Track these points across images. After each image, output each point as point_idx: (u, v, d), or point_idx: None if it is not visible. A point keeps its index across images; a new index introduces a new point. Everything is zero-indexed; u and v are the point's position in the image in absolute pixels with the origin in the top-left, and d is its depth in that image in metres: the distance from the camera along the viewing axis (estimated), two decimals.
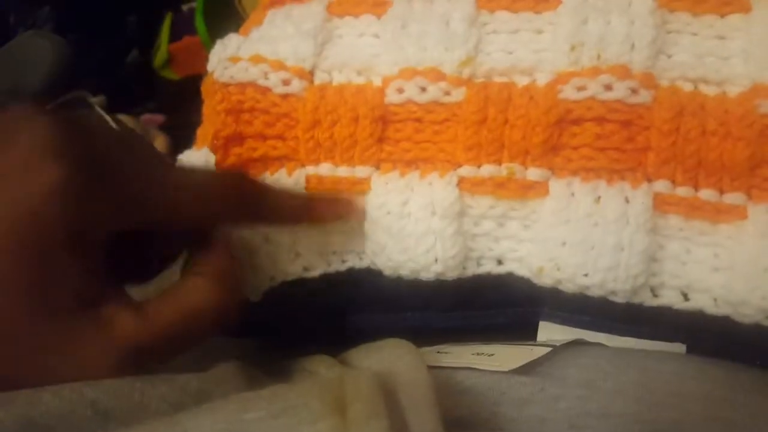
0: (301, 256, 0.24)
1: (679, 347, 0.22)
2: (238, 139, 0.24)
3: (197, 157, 0.25)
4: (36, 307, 0.17)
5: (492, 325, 0.24)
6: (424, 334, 0.21)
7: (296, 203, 0.23)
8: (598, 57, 0.22)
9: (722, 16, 0.22)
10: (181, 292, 0.20)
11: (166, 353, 0.19)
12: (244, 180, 0.22)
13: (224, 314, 0.20)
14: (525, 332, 0.23)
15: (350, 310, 0.25)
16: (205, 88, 0.25)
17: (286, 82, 0.24)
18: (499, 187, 0.22)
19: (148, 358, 0.18)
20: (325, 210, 0.23)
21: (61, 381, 0.16)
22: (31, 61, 0.51)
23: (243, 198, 0.21)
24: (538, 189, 0.22)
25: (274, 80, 0.24)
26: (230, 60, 0.24)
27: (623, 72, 0.22)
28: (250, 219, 0.22)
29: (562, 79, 0.22)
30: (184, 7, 0.85)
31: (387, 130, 0.24)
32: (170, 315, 0.19)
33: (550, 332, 0.23)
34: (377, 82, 0.24)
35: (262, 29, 0.26)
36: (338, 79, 0.24)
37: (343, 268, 0.24)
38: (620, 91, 0.22)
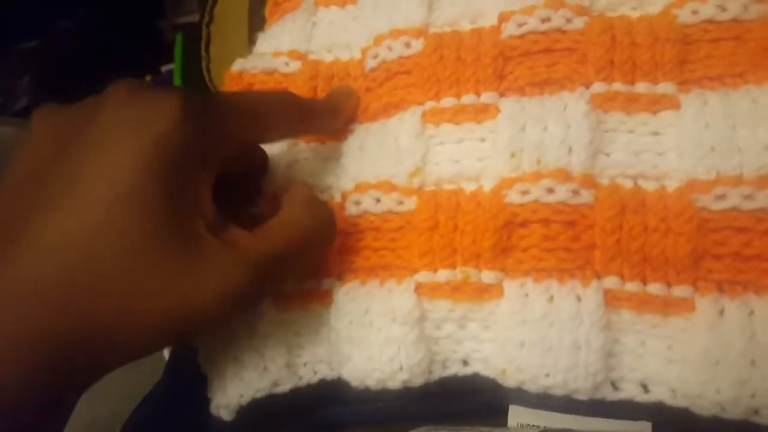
0: (269, 371, 0.24)
1: (645, 425, 0.22)
2: None
3: None
4: (173, 233, 0.19)
5: (463, 412, 0.24)
6: (396, 422, 0.22)
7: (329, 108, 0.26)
8: (538, 162, 0.23)
9: (654, 113, 0.24)
10: (282, 220, 0.23)
11: (284, 269, 0.22)
12: (291, 95, 0.26)
13: (321, 231, 0.23)
14: (495, 416, 0.23)
15: (320, 405, 0.25)
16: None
17: None
18: (456, 290, 0.23)
19: (270, 274, 0.21)
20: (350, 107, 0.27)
21: (196, 301, 0.19)
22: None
23: (296, 109, 0.25)
24: (493, 291, 0.23)
25: None
26: None
27: (563, 175, 0.23)
28: (300, 129, 0.26)
29: (506, 184, 0.23)
30: (163, 69, 0.88)
31: (348, 241, 0.25)
32: (281, 237, 0.22)
33: (520, 416, 0.23)
34: (337, 197, 0.26)
35: None
36: None
37: (314, 379, 0.24)
38: (562, 193, 0.23)
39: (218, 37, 0.43)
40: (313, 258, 0.24)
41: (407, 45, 0.27)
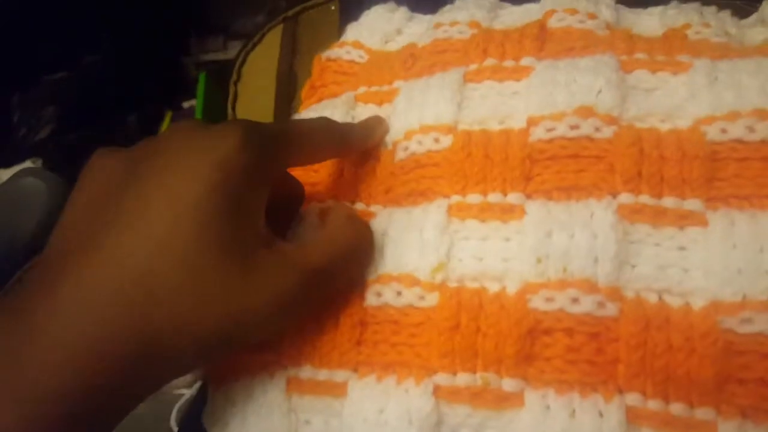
0: None
1: None
2: None
3: None
4: (230, 246, 0.21)
5: None
6: None
7: (364, 130, 0.29)
8: (564, 270, 0.23)
9: (681, 228, 0.24)
10: (328, 233, 0.25)
11: (329, 281, 0.24)
12: (331, 121, 0.27)
13: (363, 245, 0.25)
14: None
15: None
16: None
17: None
18: (475, 396, 0.23)
19: (317, 282, 0.23)
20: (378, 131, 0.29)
21: (250, 306, 0.21)
22: (25, 203, 0.52)
23: (337, 133, 0.27)
24: (514, 400, 0.23)
25: None
26: None
27: (589, 286, 0.23)
28: (341, 150, 0.28)
29: (530, 288, 0.23)
30: (185, 105, 0.89)
31: (366, 332, 0.25)
32: (327, 247, 0.24)
33: None
34: (359, 286, 0.25)
35: None
36: None
37: None
38: (588, 304, 0.22)
39: (245, 96, 0.44)
40: (354, 274, 0.25)
41: (436, 140, 0.27)
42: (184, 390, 0.41)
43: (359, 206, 0.28)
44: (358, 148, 0.29)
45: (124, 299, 0.19)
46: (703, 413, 0.21)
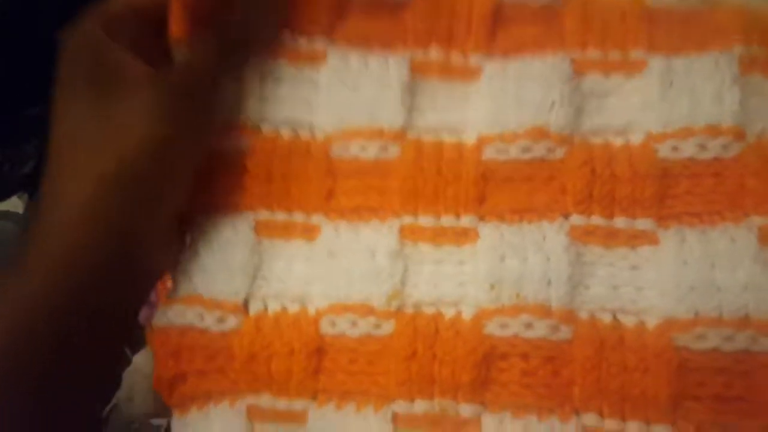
0: None
1: None
2: (182, 377, 0.25)
3: None
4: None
5: None
6: None
7: None
8: (517, 296, 0.23)
9: (633, 248, 0.24)
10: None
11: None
12: None
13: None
14: None
15: None
16: (148, 335, 0.26)
17: (221, 320, 0.25)
18: (434, 423, 0.23)
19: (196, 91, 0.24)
20: None
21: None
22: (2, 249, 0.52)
23: None
24: (472, 425, 0.22)
25: (209, 320, 0.25)
26: (165, 304, 0.25)
27: (543, 311, 0.23)
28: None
29: (485, 315, 0.23)
30: None
31: (323, 361, 0.24)
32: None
33: None
34: (312, 311, 0.25)
35: (196, 258, 0.26)
36: (273, 307, 0.25)
37: None
38: (541, 329, 0.23)
39: None
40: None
41: (384, 149, 0.26)
42: (159, 420, 0.42)
43: (298, 217, 0.26)
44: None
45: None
46: (660, 430, 0.21)
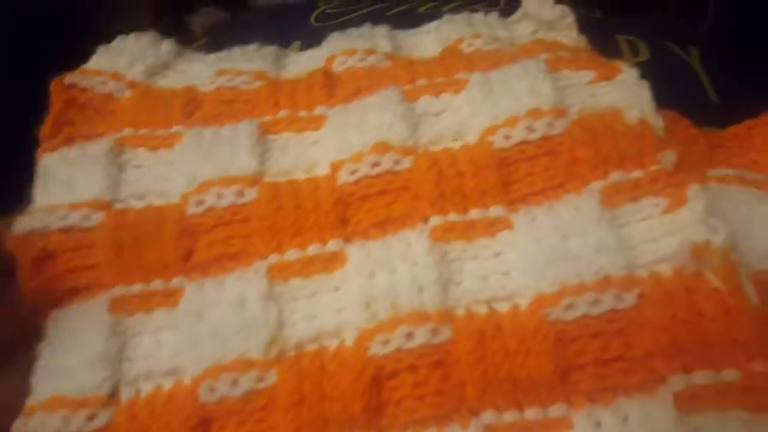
0: None
1: None
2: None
3: None
4: None
5: None
6: None
7: None
8: (393, 307, 0.23)
9: (492, 235, 0.24)
10: None
11: None
12: None
13: None
14: None
15: None
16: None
17: (91, 418, 0.23)
18: None
19: None
20: None
21: None
22: None
23: None
24: None
25: (77, 422, 0.22)
26: (25, 415, 0.22)
27: (419, 317, 0.22)
28: None
29: (367, 335, 0.22)
30: None
31: (210, 429, 0.22)
32: None
33: None
34: (187, 381, 0.23)
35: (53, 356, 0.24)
36: (147, 388, 0.23)
37: None
38: (421, 336, 0.22)
39: None
40: None
41: (240, 193, 0.25)
42: None
43: (157, 285, 0.25)
44: None
45: None
46: (556, 410, 0.22)
